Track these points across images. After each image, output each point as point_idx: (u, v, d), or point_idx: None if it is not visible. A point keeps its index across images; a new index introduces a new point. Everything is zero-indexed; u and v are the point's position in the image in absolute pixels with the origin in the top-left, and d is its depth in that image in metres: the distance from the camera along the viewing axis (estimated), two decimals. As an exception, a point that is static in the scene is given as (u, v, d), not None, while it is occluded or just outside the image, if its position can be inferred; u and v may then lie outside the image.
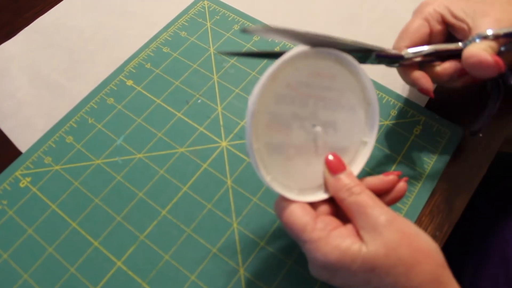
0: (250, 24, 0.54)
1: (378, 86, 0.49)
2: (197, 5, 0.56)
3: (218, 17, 0.55)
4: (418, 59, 0.41)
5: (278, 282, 0.39)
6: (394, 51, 0.39)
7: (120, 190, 0.43)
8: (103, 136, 0.47)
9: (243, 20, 0.54)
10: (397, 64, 0.41)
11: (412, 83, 0.42)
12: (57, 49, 0.54)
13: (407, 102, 0.48)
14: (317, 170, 0.35)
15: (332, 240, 0.31)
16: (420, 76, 0.41)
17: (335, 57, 0.34)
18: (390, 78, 0.49)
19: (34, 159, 0.45)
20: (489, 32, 0.37)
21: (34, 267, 0.40)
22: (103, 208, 0.43)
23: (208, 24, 0.54)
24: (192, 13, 0.55)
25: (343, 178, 0.34)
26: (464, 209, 0.43)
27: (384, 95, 0.48)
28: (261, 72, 0.50)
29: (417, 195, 0.43)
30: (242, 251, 0.40)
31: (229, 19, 0.55)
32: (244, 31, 0.29)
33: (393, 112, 0.47)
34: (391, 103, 0.48)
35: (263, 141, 0.33)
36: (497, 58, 0.35)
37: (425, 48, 0.40)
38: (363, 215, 0.32)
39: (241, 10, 0.56)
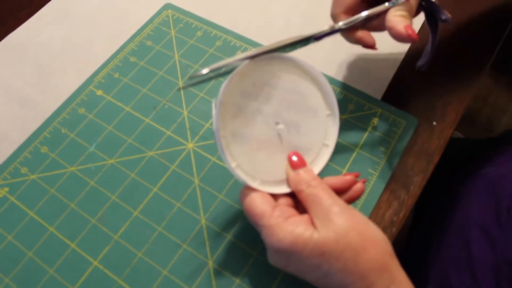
0: (211, 30, 0.57)
1: (335, 82, 0.52)
2: (162, 14, 0.59)
3: (182, 25, 0.58)
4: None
5: (244, 272, 0.41)
6: (328, 29, 0.42)
7: (94, 194, 0.46)
8: (76, 144, 0.49)
9: (205, 27, 0.57)
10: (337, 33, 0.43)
11: (356, 42, 0.45)
12: (27, 64, 0.56)
13: (363, 96, 0.51)
14: (280, 165, 0.38)
15: (286, 226, 0.34)
16: (362, 35, 0.44)
17: (294, 63, 0.38)
18: (346, 73, 0.52)
19: (11, 170, 0.48)
20: None
21: (14, 272, 0.42)
22: (79, 212, 0.45)
23: (173, 32, 0.57)
24: (157, 22, 0.58)
25: (302, 173, 0.37)
26: (420, 194, 0.46)
27: (341, 90, 0.51)
28: (223, 77, 0.52)
29: (375, 183, 0.45)
30: (210, 245, 0.43)
31: (192, 26, 0.57)
32: (190, 79, 0.35)
33: (351, 106, 0.50)
34: (348, 97, 0.51)
35: (229, 130, 0.36)
36: (410, 31, 0.39)
37: (358, 17, 0.42)
38: (317, 205, 0.35)
39: (204, 17, 0.58)
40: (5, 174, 0.47)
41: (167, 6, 0.60)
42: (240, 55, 0.36)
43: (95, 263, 0.42)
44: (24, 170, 0.48)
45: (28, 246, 0.43)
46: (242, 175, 0.36)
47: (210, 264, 0.42)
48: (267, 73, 0.38)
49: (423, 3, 0.43)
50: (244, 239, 0.43)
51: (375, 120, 0.49)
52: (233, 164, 0.36)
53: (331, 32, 0.42)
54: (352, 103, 0.50)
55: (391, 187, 0.46)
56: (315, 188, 0.35)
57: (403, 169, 0.47)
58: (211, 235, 0.43)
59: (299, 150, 0.39)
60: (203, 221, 0.44)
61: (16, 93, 0.54)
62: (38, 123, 0.51)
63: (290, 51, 0.39)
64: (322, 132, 0.40)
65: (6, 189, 0.47)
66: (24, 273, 0.42)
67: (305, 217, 0.35)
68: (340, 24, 0.42)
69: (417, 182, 0.46)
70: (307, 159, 0.39)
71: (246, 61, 0.36)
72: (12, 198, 0.46)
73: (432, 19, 0.44)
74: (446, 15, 0.41)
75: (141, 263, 0.42)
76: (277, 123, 0.38)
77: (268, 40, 0.55)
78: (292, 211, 0.36)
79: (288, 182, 0.38)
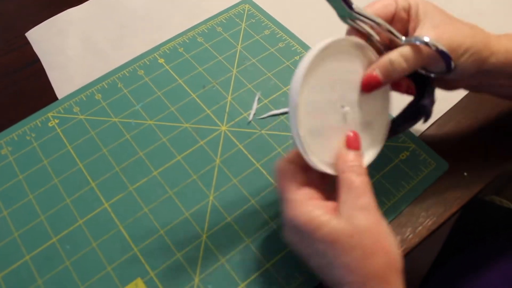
0: (279, 31, 0.60)
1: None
2: (238, 6, 0.63)
3: (253, 20, 0.61)
4: (364, 23, 0.40)
5: (232, 255, 0.43)
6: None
7: (126, 146, 0.50)
8: (125, 99, 0.54)
9: (274, 27, 0.60)
10: (347, 18, 0.40)
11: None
12: (110, 22, 0.62)
13: (402, 128, 0.51)
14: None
15: (306, 205, 0.34)
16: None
17: (348, 43, 0.38)
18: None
19: (65, 106, 0.53)
20: (425, 39, 0.37)
21: (38, 192, 0.47)
22: (107, 158, 0.49)
23: (243, 25, 0.60)
24: (232, 13, 0.62)
25: (352, 155, 0.37)
26: (426, 237, 0.45)
27: (381, 118, 0.52)
28: (276, 74, 0.55)
29: (384, 213, 0.45)
30: (210, 221, 0.45)
31: (262, 24, 0.61)
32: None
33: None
34: (386, 126, 0.51)
35: (306, 129, 0.36)
36: (374, 77, 0.38)
37: (377, 19, 0.39)
38: (350, 193, 0.34)
39: (276, 18, 0.61)
40: (60, 108, 0.53)
41: (246, 1, 0.63)
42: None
43: (106, 205, 0.46)
44: (76, 109, 0.53)
45: (57, 173, 0.48)
46: (323, 167, 0.37)
47: (204, 237, 0.44)
48: (326, 60, 0.37)
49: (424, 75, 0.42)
50: (242, 225, 0.45)
51: (405, 154, 0.49)
52: (314, 160, 0.36)
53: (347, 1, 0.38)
54: (389, 132, 0.51)
55: (398, 221, 0.46)
56: (357, 176, 0.35)
57: (417, 208, 0.46)
58: (214, 212, 0.46)
59: (362, 125, 0.40)
60: (211, 198, 0.47)
61: (92, 44, 0.60)
62: (101, 73, 0.56)
63: None
64: (380, 106, 0.41)
65: (57, 121, 0.52)
66: (47, 195, 0.47)
67: (329, 204, 0.35)
68: (357, 8, 0.38)
69: (427, 224, 0.45)
70: (369, 135, 0.40)
71: (309, 60, 0.36)
72: (58, 130, 0.52)
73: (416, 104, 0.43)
74: (427, 102, 0.41)
75: (144, 217, 0.46)
76: (342, 106, 0.38)
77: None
78: (319, 194, 0.36)
79: (337, 159, 0.38)
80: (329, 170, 0.37)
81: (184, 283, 0.42)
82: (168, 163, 0.49)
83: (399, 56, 0.38)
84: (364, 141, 0.40)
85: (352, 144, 0.37)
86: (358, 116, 0.40)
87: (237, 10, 0.62)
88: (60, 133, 0.51)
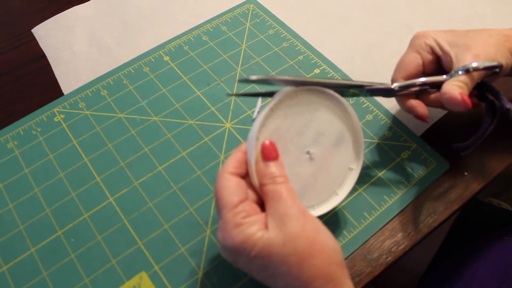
0: (283, 31, 0.60)
1: (380, 106, 0.53)
2: (243, 6, 0.63)
3: (258, 20, 0.62)
4: (415, 89, 0.45)
5: (235, 249, 0.44)
6: (382, 85, 0.44)
7: (131, 141, 0.51)
8: (131, 96, 0.54)
9: (278, 27, 0.61)
10: (392, 96, 0.46)
11: (408, 110, 0.46)
12: (116, 19, 0.63)
13: (403, 127, 0.51)
14: (321, 186, 0.41)
15: (240, 225, 0.33)
16: (416, 104, 0.45)
17: (318, 92, 0.40)
18: (394, 102, 0.53)
19: (71, 102, 0.54)
20: (470, 65, 0.41)
21: (45, 184, 0.48)
22: (113, 153, 0.50)
23: (248, 24, 0.61)
24: (237, 12, 0.63)
25: (272, 166, 0.36)
26: (427, 234, 0.46)
27: (383, 116, 0.52)
28: (280, 73, 0.56)
29: (385, 210, 0.46)
30: (214, 217, 0.46)
31: (267, 23, 0.61)
32: (241, 81, 0.36)
33: (388, 134, 0.51)
34: (388, 124, 0.52)
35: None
36: (465, 97, 0.39)
37: (414, 82, 0.45)
38: (276, 203, 0.34)
39: (280, 18, 0.62)
40: (66, 103, 0.54)
41: (251, 1, 0.64)
42: (286, 76, 0.37)
43: (111, 199, 0.47)
44: (82, 104, 0.54)
45: (63, 167, 0.49)
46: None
47: (208, 232, 0.45)
48: (307, 105, 0.39)
49: (486, 95, 0.44)
50: (245, 220, 0.45)
51: (407, 153, 0.50)
52: None
53: (385, 89, 0.44)
54: (390, 131, 0.51)
55: (400, 219, 0.46)
56: (279, 185, 0.35)
57: (418, 206, 0.47)
58: (218, 207, 0.46)
59: (327, 172, 0.41)
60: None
61: (98, 41, 0.60)
62: (107, 69, 0.57)
63: (337, 91, 0.41)
64: (347, 156, 0.42)
65: (62, 116, 0.53)
66: (52, 188, 0.48)
67: (262, 216, 0.35)
68: (395, 85, 0.44)
69: (428, 222, 0.46)
70: (334, 183, 0.41)
71: (288, 89, 0.38)
72: (64, 125, 0.52)
73: (491, 109, 0.44)
74: (509, 104, 0.41)
75: (149, 211, 0.46)
76: (307, 152, 0.40)
77: (330, 54, 0.58)
78: (255, 208, 0.35)
79: (255, 173, 0.37)
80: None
81: (188, 277, 0.42)
82: (172, 158, 0.49)
83: (458, 84, 0.41)
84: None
85: (270, 155, 0.37)
86: (322, 164, 0.40)
87: (241, 10, 0.63)
88: (66, 128, 0.52)
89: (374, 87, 0.43)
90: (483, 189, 0.49)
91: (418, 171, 0.48)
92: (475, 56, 0.41)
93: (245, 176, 0.38)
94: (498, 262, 0.51)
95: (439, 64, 0.46)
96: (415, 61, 0.45)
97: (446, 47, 0.44)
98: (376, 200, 0.47)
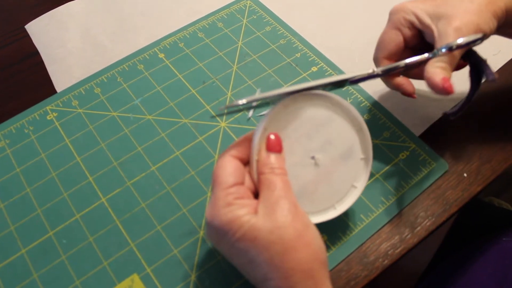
0: (280, 28, 0.59)
1: (378, 106, 0.52)
2: (240, 2, 0.62)
3: (255, 17, 0.61)
4: (399, 70, 0.43)
5: (229, 251, 0.43)
6: (365, 74, 0.42)
7: (124, 140, 0.50)
8: (124, 94, 0.54)
9: (275, 24, 0.60)
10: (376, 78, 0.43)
11: (395, 88, 0.45)
12: (110, 16, 0.62)
13: (402, 127, 0.51)
14: (320, 195, 0.40)
15: (230, 204, 0.33)
16: (401, 82, 0.44)
17: (332, 100, 0.39)
18: (393, 101, 0.52)
19: (64, 100, 0.53)
20: (453, 43, 0.39)
21: (37, 184, 0.47)
22: (105, 152, 0.49)
23: (244, 21, 0.60)
24: (233, 8, 0.62)
25: (273, 157, 0.36)
26: (424, 237, 0.45)
27: (382, 116, 0.51)
28: (277, 71, 0.55)
29: (382, 213, 0.45)
30: (208, 217, 0.45)
31: (264, 20, 0.60)
32: (227, 108, 0.37)
33: (386, 134, 0.50)
34: (387, 124, 0.51)
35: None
36: (447, 84, 0.38)
37: (398, 65, 0.42)
38: (270, 191, 0.34)
39: (278, 15, 0.61)
40: (59, 101, 0.53)
41: (248, -3, 0.63)
42: (276, 91, 0.37)
43: (103, 199, 0.46)
44: (75, 103, 0.53)
45: (55, 167, 0.48)
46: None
47: (201, 234, 0.44)
48: (304, 111, 0.38)
49: (471, 59, 0.43)
50: (239, 221, 0.45)
51: (405, 154, 0.49)
52: None
53: (368, 77, 0.42)
54: (389, 131, 0.50)
55: (397, 221, 0.45)
56: (276, 176, 0.35)
57: (416, 208, 0.46)
58: (211, 208, 0.45)
59: (331, 186, 0.40)
60: (209, 194, 0.46)
61: (92, 37, 0.59)
62: (101, 66, 0.56)
63: (326, 91, 0.40)
64: (353, 172, 0.41)
65: (55, 114, 0.52)
66: (44, 188, 0.47)
67: (254, 202, 0.35)
68: (378, 69, 0.42)
69: (426, 225, 0.45)
70: (335, 197, 0.40)
71: (281, 103, 0.38)
72: (57, 123, 0.51)
73: (476, 74, 0.43)
74: (493, 75, 0.40)
75: (141, 212, 0.45)
76: (312, 158, 0.39)
77: (328, 52, 0.57)
78: (249, 195, 0.36)
79: (255, 161, 0.37)
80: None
81: (180, 280, 0.42)
82: (166, 158, 0.49)
83: (441, 65, 0.40)
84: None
85: (273, 147, 0.37)
86: (327, 176, 0.40)
87: (238, 6, 0.62)
88: (59, 127, 0.51)
89: (358, 77, 0.41)
90: (483, 191, 0.48)
91: (416, 172, 0.47)
92: (457, 29, 0.39)
93: (247, 163, 0.38)
94: (497, 263, 0.50)
95: (421, 37, 0.44)
96: (396, 38, 0.43)
97: (427, 21, 0.42)
98: (373, 202, 0.46)
